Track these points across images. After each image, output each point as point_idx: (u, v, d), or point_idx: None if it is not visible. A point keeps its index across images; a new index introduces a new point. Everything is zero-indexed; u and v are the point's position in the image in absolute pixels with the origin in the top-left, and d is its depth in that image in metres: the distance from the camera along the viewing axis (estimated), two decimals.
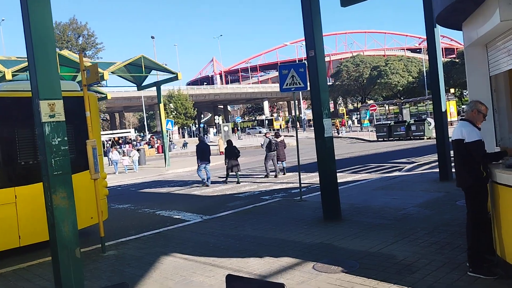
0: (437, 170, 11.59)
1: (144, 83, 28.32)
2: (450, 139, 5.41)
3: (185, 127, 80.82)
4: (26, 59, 5.01)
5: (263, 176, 16.47)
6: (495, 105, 5.17)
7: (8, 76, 19.40)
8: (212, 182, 16.11)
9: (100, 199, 7.76)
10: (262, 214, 8.94)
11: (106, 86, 36.50)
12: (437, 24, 10.76)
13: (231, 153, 15.69)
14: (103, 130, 72.17)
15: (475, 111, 4.58)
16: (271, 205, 9.91)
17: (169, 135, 79.21)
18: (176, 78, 25.75)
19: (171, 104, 73.04)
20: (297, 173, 10.88)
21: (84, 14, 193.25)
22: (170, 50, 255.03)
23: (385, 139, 31.91)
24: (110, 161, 31.08)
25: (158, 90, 27.27)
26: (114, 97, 77.72)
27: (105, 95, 31.05)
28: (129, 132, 55.98)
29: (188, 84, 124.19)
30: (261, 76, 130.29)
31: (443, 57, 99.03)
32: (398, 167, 15.50)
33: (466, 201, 4.86)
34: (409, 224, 7.03)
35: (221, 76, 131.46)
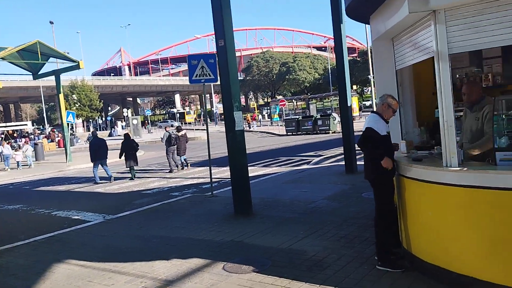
0: (343, 163, 11.98)
1: (41, 72, 25.92)
2: (355, 133, 5.62)
3: (91, 120, 76.22)
4: None
5: (168, 171, 16.05)
6: (400, 99, 5.27)
7: None
8: (118, 178, 15.16)
9: None
10: (170, 212, 8.47)
11: None
12: (344, 20, 11.09)
13: (129, 147, 14.99)
14: None
15: (386, 105, 4.60)
16: (180, 202, 9.46)
17: (73, 128, 74.27)
18: (77, 67, 23.89)
19: (74, 95, 68.30)
20: (209, 167, 10.52)
21: None
22: (72, 38, 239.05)
23: (294, 133, 32.77)
24: (1, 157, 28.32)
25: (57, 80, 25.11)
26: (8, 86, 70.81)
27: None
28: (26, 124, 51.26)
29: (94, 74, 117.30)
30: (172, 68, 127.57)
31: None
32: (307, 160, 15.86)
33: (374, 193, 4.90)
34: (319, 218, 7.05)
35: (130, 68, 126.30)
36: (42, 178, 18.22)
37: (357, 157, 12.01)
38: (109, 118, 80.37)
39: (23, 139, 47.00)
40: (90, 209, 10.04)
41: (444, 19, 3.80)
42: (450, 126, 3.91)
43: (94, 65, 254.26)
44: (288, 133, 33.16)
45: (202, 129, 55.99)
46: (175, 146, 16.10)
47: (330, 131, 30.59)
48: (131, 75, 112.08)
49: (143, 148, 32.63)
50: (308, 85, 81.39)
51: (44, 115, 68.81)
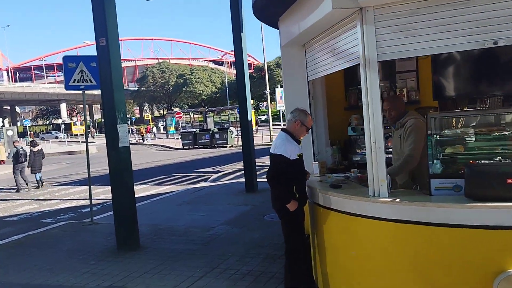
0: (243, 180, 11.24)
1: None
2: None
3: None
4: None
5: (15, 190, 14.54)
6: (312, 115, 4.58)
7: None
8: None
9: None
10: (37, 247, 6.84)
11: None
12: (244, 30, 10.43)
13: None
14: None
15: (298, 122, 3.85)
16: (51, 233, 7.81)
17: None
18: None
19: None
20: (88, 187, 8.97)
21: None
22: None
23: (190, 146, 31.60)
24: None
25: None
26: None
27: None
28: None
29: None
30: (59, 76, 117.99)
31: None
32: (204, 177, 14.86)
33: (281, 224, 4.12)
34: (218, 249, 6.09)
35: (8, 73, 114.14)
36: None
37: (257, 172, 11.38)
38: None
39: None
40: None
41: (373, 19, 3.14)
42: (379, 148, 3.25)
43: None
44: (185, 147, 31.88)
45: (90, 142, 51.99)
46: (25, 163, 14.91)
47: (228, 145, 30.03)
48: (10, 82, 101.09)
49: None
50: (205, 98, 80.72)
51: None
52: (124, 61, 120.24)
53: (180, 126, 45.69)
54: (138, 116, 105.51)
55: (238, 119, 47.85)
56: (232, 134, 31.21)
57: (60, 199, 12.18)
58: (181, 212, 8.73)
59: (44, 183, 15.33)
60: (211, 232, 7.02)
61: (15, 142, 16.71)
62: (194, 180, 14.46)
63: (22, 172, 14.86)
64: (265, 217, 7.77)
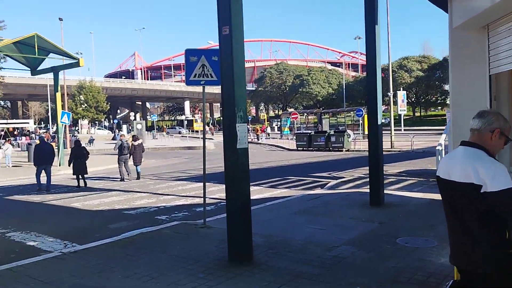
0: (364, 190, 10.03)
1: (40, 68, 24.35)
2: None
3: (96, 122, 74.93)
4: None
5: (120, 179, 16.00)
6: None
7: None
8: (103, 190, 13.30)
9: None
10: (146, 249, 6.50)
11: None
12: (378, 22, 9.19)
13: (78, 154, 14.58)
14: (1, 118, 64.01)
15: (497, 132, 2.60)
16: (163, 233, 7.50)
17: (78, 129, 72.91)
18: (77, 64, 22.26)
19: (81, 96, 67.10)
20: (203, 187, 8.58)
21: None
22: (85, 38, 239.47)
23: (304, 148, 30.78)
24: None
25: (56, 77, 23.52)
26: (16, 83, 69.86)
27: None
28: (27, 123, 49.87)
29: (106, 77, 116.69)
30: (185, 75, 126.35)
31: (360, 73, 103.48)
32: (320, 183, 13.87)
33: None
34: (344, 277, 5.07)
35: (142, 72, 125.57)
36: (22, 183, 16.41)
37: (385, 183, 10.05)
38: (116, 121, 79.02)
39: (24, 138, 45.58)
40: (54, 232, 8.14)
41: None
42: None
43: (107, 67, 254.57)
44: (299, 148, 31.17)
45: (208, 138, 54.26)
46: (127, 155, 16.00)
47: (344, 149, 28.57)
48: (143, 80, 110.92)
49: (145, 155, 30.86)
50: (321, 99, 79.52)
51: (49, 114, 67.51)
52: (248, 62, 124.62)
53: (295, 126, 45.23)
54: (254, 115, 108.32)
55: (355, 122, 45.90)
56: (349, 138, 29.64)
57: (176, 195, 12.17)
58: (298, 223, 7.86)
59: (140, 177, 16.24)
60: (333, 253, 6.02)
61: (121, 136, 17.94)
62: (310, 185, 13.55)
63: (126, 164, 15.95)
64: (398, 241, 6.52)
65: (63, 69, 23.52)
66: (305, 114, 51.04)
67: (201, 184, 14.04)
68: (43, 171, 14.19)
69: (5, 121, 50.61)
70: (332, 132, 30.70)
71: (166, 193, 12.68)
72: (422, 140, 28.52)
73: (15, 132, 47.20)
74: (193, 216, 9.27)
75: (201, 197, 11.44)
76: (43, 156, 14.14)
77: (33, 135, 47.27)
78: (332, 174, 15.97)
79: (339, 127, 44.45)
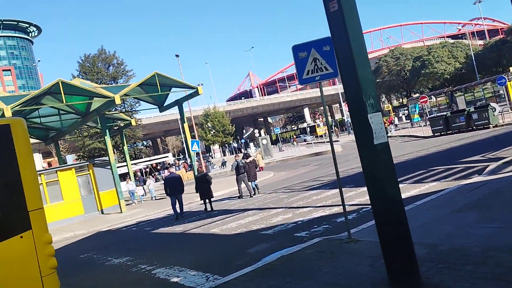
0: None
1: (166, 103, 25.97)
2: None
3: (226, 145, 78.68)
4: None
5: (237, 197, 17.04)
6: None
7: (7, 113, 17.43)
8: (239, 211, 13.09)
9: (46, 274, 5.11)
10: (291, 276, 5.72)
11: (131, 111, 34.78)
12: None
13: (201, 180, 15.52)
14: (146, 156, 71.27)
15: None
16: (306, 255, 6.67)
17: (212, 154, 77.33)
18: (196, 93, 23.14)
19: (208, 123, 71.20)
20: (340, 193, 7.57)
21: (109, 43, 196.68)
22: (202, 69, 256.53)
23: (442, 133, 27.74)
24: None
25: (180, 109, 24.77)
26: (152, 122, 77.27)
27: (129, 121, 29.09)
28: (167, 156, 54.22)
29: (228, 101, 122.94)
30: (299, 84, 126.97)
31: (488, 39, 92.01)
32: (475, 168, 11.81)
33: None
34: None
35: (259, 89, 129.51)
36: (166, 215, 17.19)
37: None
38: (243, 141, 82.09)
39: (166, 171, 49.55)
40: (197, 263, 7.87)
41: None
42: None
43: (227, 92, 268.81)
44: (436, 134, 28.21)
45: (334, 141, 52.79)
46: (245, 173, 16.71)
47: (491, 125, 24.95)
48: (261, 96, 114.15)
49: (274, 168, 30.88)
50: (448, 77, 72.40)
51: (184, 145, 72.84)
52: None
53: (425, 112, 41.47)
54: None
55: (496, 93, 40.35)
56: (495, 112, 25.83)
57: (313, 206, 11.33)
58: (464, 223, 6.39)
59: (259, 190, 17.08)
60: None
61: (236, 156, 18.80)
62: (463, 173, 11.59)
63: (244, 181, 16.73)
64: None
65: (185, 100, 24.70)
66: (433, 96, 46.57)
67: (337, 190, 13.08)
68: (176, 200, 15.14)
69: (148, 158, 55.76)
70: (472, 109, 27.13)
71: (302, 205, 11.93)
72: None
73: (158, 167, 51.56)
74: (334, 229, 8.31)
75: (340, 205, 10.45)
76: (173, 187, 15.13)
77: (174, 167, 51.17)
78: (487, 156, 13.63)
79: (477, 102, 39.56)
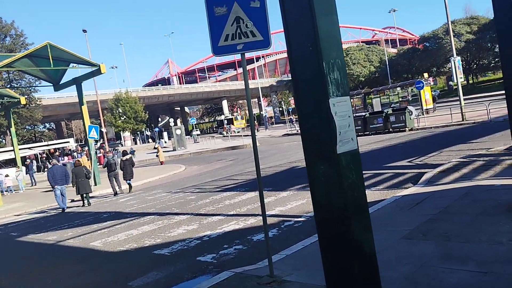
0: (485, 181, 6.75)
1: (63, 81, 22.37)
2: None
3: (137, 133, 74.13)
4: None
5: (113, 194, 16.73)
6: None
7: None
8: (136, 215, 10.67)
9: None
10: None
11: (18, 87, 30.56)
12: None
13: (78, 175, 15.00)
14: (49, 141, 64.31)
15: None
16: None
17: (121, 142, 72.19)
18: (98, 71, 20.01)
19: (119, 109, 66.29)
20: (261, 206, 5.58)
21: (10, 12, 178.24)
22: (116, 52, 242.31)
23: (359, 133, 27.33)
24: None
25: (79, 88, 21.41)
26: (56, 103, 70.21)
27: (17, 99, 24.86)
28: (68, 142, 49.03)
29: (144, 87, 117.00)
30: (219, 75, 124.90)
31: (399, 47, 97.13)
32: (407, 175, 10.61)
33: None
34: None
35: (177, 78, 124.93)
36: (43, 215, 14.19)
37: None
38: (157, 130, 78.00)
39: (66, 158, 44.63)
40: None
41: None
42: None
43: (144, 77, 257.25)
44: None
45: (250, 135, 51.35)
46: (116, 171, 16.70)
47: (407, 128, 24.90)
48: (179, 85, 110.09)
49: (187, 161, 28.48)
50: (363, 79, 74.81)
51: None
52: (276, 54, 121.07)
53: None
54: (293, 106, 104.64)
55: (413, 96, 41.54)
56: (411, 115, 25.90)
57: (224, 214, 9.32)
58: (425, 261, 4.72)
59: (131, 190, 16.94)
60: None
61: (108, 153, 19.34)
62: (394, 180, 10.31)
63: (116, 178, 16.68)
64: None
65: (85, 79, 21.35)
66: (353, 96, 47.05)
67: (253, 194, 11.18)
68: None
69: (45, 143, 50.05)
70: (390, 111, 27.00)
71: (211, 212, 9.86)
72: (493, 108, 24.16)
73: (57, 153, 46.35)
74: (250, 252, 6.37)
75: (256, 215, 8.59)
76: (57, 178, 14.59)
77: (75, 153, 46.30)
78: (414, 162, 12.61)
79: (392, 105, 40.41)
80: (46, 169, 31.11)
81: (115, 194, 16.43)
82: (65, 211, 14.36)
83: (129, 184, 16.99)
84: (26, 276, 7.07)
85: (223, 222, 8.59)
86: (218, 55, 4.81)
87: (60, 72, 21.40)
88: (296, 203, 9.33)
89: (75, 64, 20.33)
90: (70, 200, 16.42)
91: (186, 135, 46.97)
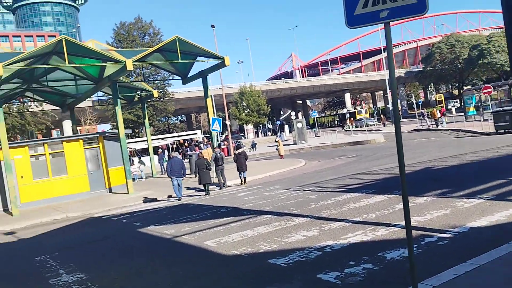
0: None
1: (190, 75, 23.12)
2: None
3: (259, 126, 75.68)
4: None
5: (219, 188, 17.11)
6: None
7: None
8: (246, 213, 10.07)
9: None
10: None
11: (152, 81, 32.53)
12: None
13: (199, 165, 16.02)
14: (177, 132, 69.24)
15: None
16: None
17: (244, 134, 74.48)
18: (223, 64, 20.12)
19: (243, 102, 68.26)
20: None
21: (148, 13, 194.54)
22: (241, 46, 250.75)
23: (507, 130, 23.57)
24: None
25: (204, 81, 21.88)
26: (187, 97, 75.07)
27: (151, 92, 26.47)
28: (195, 133, 51.75)
29: (267, 80, 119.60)
30: (342, 68, 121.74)
31: None
32: None
33: None
34: None
35: (300, 71, 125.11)
36: (166, 205, 14.48)
37: None
38: (278, 123, 78.74)
39: (195, 148, 47.15)
40: None
41: None
42: None
43: (267, 72, 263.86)
44: (499, 131, 24.06)
45: (376, 130, 48.59)
46: (222, 165, 17.25)
47: None
48: (302, 78, 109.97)
49: (307, 156, 27.65)
50: (508, 69, 65.85)
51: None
52: (404, 44, 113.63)
53: (483, 104, 36.77)
54: (423, 99, 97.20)
55: None
56: None
57: (349, 221, 8.14)
58: None
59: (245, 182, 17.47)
60: None
61: (216, 148, 19.65)
62: None
63: (222, 172, 17.26)
64: None
65: (210, 72, 21.74)
66: (496, 88, 41.39)
67: (382, 198, 9.78)
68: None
69: (176, 134, 53.54)
70: None
71: (333, 216, 8.76)
72: None
73: (186, 144, 49.23)
74: (382, 275, 5.16)
75: (387, 224, 7.29)
76: (174, 170, 15.77)
77: (202, 145, 48.73)
78: None
79: None
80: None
81: (221, 187, 17.08)
82: (181, 201, 14.99)
83: (243, 177, 17.43)
84: (139, 273, 6.80)
85: (348, 231, 7.44)
86: (352, 27, 3.70)
87: (188, 65, 22.09)
88: (438, 213, 7.75)
89: (202, 58, 20.74)
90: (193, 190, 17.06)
91: (306, 129, 46.20)
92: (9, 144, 17.26)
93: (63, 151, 19.84)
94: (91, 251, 8.91)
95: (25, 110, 44.67)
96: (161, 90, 52.64)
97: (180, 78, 23.48)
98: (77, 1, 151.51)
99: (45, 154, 19.47)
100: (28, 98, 29.14)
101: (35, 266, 8.09)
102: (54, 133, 73.18)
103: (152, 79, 51.08)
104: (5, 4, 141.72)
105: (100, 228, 11.88)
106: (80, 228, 12.32)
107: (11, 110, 42.76)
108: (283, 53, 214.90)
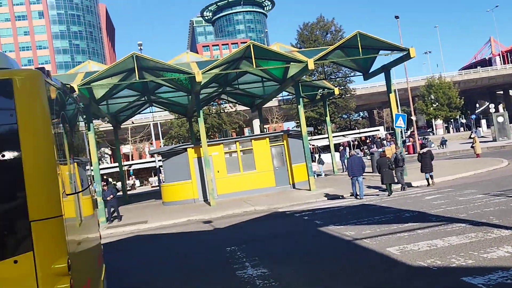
0: None
1: (371, 70, 22.35)
2: None
3: (450, 120, 68.99)
4: None
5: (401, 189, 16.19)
6: None
7: (198, 78, 17.01)
8: (434, 219, 9.06)
9: None
10: None
11: (334, 78, 32.36)
12: None
13: (382, 164, 15.51)
14: (362, 128, 68.38)
15: None
16: None
17: (433, 129, 69.12)
18: (407, 56, 18.78)
19: (431, 95, 63.19)
20: None
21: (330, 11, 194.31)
22: (429, 36, 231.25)
23: None
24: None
25: (387, 76, 20.83)
26: (368, 93, 73.42)
27: (332, 90, 26.57)
28: (378, 130, 49.99)
29: (460, 71, 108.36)
30: None
31: None
32: None
33: None
34: None
35: (501, 57, 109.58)
36: (346, 204, 14.15)
37: None
38: (473, 117, 70.49)
39: (374, 146, 45.69)
40: None
41: None
42: None
43: (459, 61, 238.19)
44: None
45: None
46: (403, 166, 16.91)
47: None
48: (503, 65, 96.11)
49: (510, 155, 23.80)
50: None
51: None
52: None
53: None
54: None
55: None
56: None
57: None
58: None
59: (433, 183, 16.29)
60: None
61: (397, 148, 18.89)
62: None
63: (401, 174, 16.66)
64: None
65: (393, 66, 20.52)
66: None
67: None
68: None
69: (357, 130, 52.72)
70: None
71: (497, 224, 7.23)
72: None
73: (367, 141, 48.05)
74: None
75: None
76: (354, 168, 15.35)
77: (384, 142, 46.83)
78: None
79: None
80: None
81: (404, 188, 16.23)
82: (362, 200, 14.56)
83: (430, 177, 16.39)
84: (316, 276, 6.75)
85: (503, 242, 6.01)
86: None
87: (369, 60, 21.36)
88: None
89: (384, 52, 19.79)
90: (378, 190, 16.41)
91: (510, 123, 40.02)
92: (207, 142, 19.43)
93: (252, 148, 21.44)
94: (275, 246, 9.28)
95: (222, 111, 50.18)
96: (342, 87, 52.56)
97: (361, 74, 22.88)
98: (265, 8, 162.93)
99: (236, 151, 21.35)
100: (224, 100, 32.45)
101: (225, 256, 8.82)
102: (246, 131, 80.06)
103: (333, 77, 51.43)
104: (206, 18, 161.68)
105: (284, 223, 12.35)
106: (266, 221, 13.04)
107: (210, 111, 48.41)
108: (479, 39, 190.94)
